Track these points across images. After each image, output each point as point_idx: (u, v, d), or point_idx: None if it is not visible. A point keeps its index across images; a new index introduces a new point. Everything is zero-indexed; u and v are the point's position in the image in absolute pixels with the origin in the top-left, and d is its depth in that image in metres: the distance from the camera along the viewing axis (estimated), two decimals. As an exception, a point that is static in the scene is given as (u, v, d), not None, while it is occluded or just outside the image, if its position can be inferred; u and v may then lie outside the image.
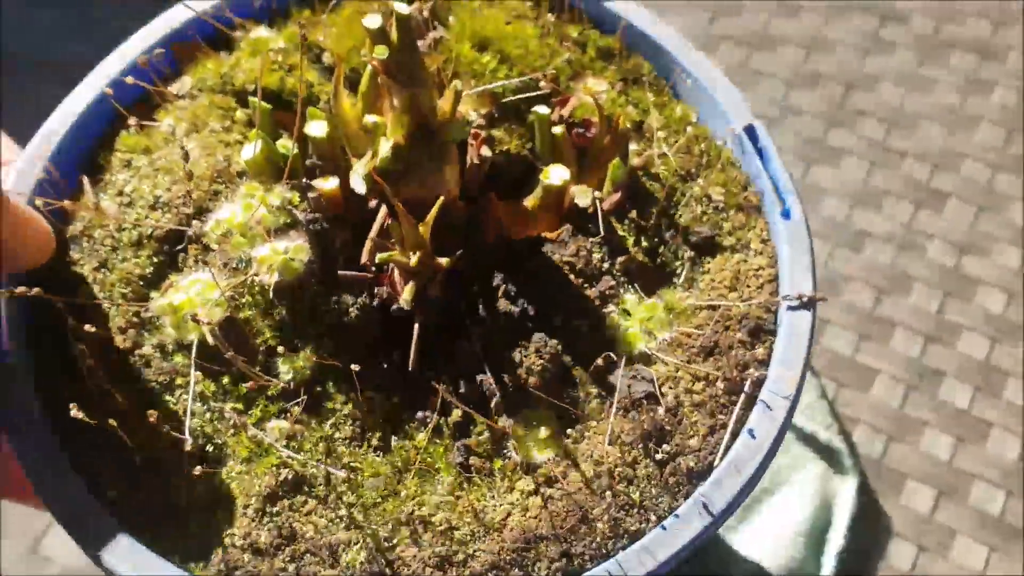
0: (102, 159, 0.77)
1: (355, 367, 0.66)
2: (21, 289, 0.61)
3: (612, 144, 0.78)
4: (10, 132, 0.81)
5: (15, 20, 1.65)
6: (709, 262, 0.76)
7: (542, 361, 0.70)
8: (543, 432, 0.69)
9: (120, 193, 0.75)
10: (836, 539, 1.26)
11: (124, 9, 1.62)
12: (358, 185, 0.71)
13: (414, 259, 0.69)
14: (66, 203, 0.69)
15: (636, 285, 0.74)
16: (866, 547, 1.29)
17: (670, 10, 1.70)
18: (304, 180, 0.73)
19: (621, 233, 0.76)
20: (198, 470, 0.64)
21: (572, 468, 0.67)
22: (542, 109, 0.78)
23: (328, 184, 0.74)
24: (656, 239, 0.77)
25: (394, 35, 0.67)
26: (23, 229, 0.64)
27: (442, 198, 0.70)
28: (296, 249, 0.70)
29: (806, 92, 1.65)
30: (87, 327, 0.66)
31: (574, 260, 0.74)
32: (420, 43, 0.82)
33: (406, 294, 0.68)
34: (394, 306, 0.71)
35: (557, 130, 0.78)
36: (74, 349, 0.68)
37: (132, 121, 0.75)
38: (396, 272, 0.72)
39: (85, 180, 0.75)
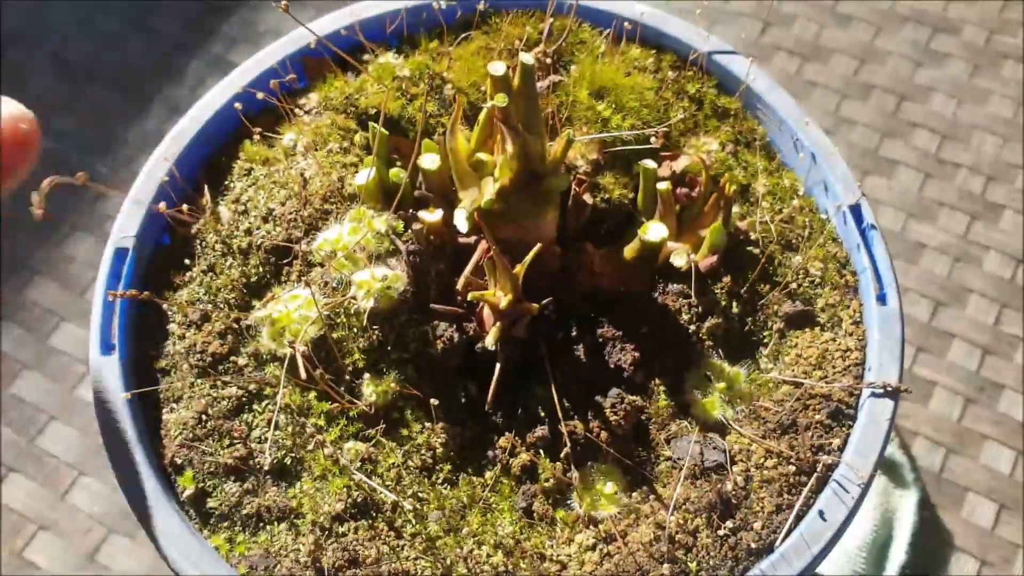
0: (224, 165, 0.81)
1: (434, 401, 0.69)
2: (132, 292, 0.65)
3: (715, 206, 0.78)
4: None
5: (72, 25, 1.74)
6: (798, 336, 0.76)
7: (617, 417, 0.71)
8: (609, 488, 0.70)
9: (236, 200, 0.78)
10: (898, 553, 1.26)
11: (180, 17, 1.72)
12: (461, 223, 0.73)
13: (504, 301, 0.71)
14: (184, 208, 0.73)
15: (721, 351, 0.74)
16: (928, 561, 1.28)
17: (722, 21, 1.71)
18: (411, 211, 0.76)
19: (713, 296, 0.76)
20: (271, 484, 0.67)
21: (633, 528, 0.68)
22: (649, 163, 0.78)
23: (433, 216, 0.76)
24: (748, 307, 0.77)
25: (515, 83, 0.69)
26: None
27: (540, 244, 0.72)
28: (394, 277, 0.73)
29: (859, 103, 1.65)
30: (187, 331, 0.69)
31: (662, 319, 0.75)
32: (539, 85, 0.84)
33: (491, 335, 0.70)
34: (479, 344, 0.72)
35: (662, 186, 0.78)
36: (172, 347, 0.72)
37: (256, 131, 0.79)
38: (486, 309, 0.74)
39: (204, 185, 0.79)
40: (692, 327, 0.75)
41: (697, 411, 0.73)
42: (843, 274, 0.78)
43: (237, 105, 0.77)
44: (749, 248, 0.79)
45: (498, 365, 0.72)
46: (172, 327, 0.74)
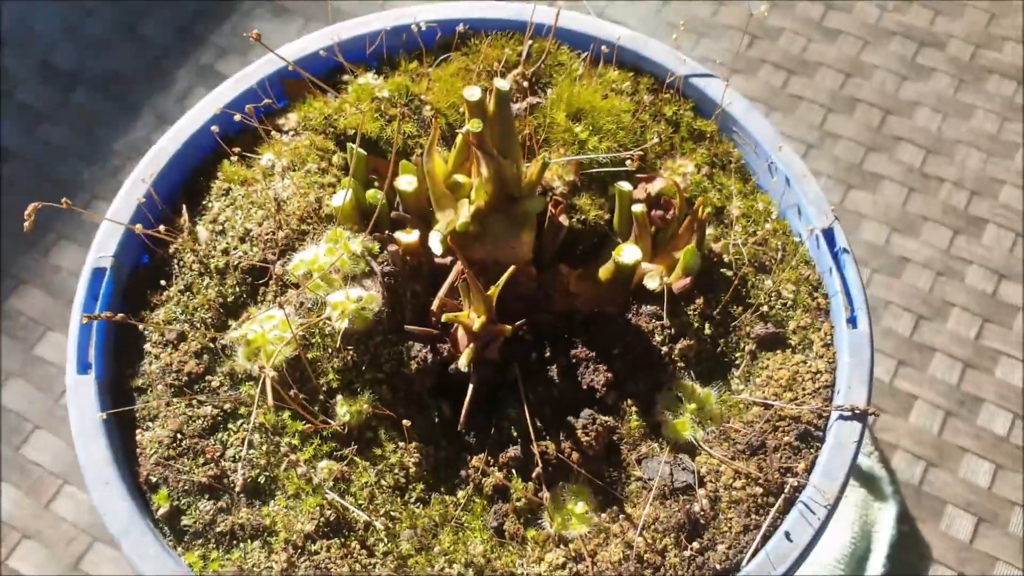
0: (203, 185, 0.82)
1: (407, 422, 0.69)
2: (106, 314, 0.65)
3: (689, 228, 0.79)
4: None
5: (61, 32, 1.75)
6: (769, 358, 0.77)
7: (588, 437, 0.72)
8: (580, 507, 0.71)
9: (214, 221, 0.79)
10: (876, 566, 1.26)
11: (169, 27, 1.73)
12: (435, 246, 0.74)
13: (477, 323, 0.71)
14: (161, 229, 0.73)
15: (693, 372, 0.75)
16: (906, 574, 1.28)
17: (708, 34, 1.72)
18: (387, 232, 0.77)
19: (686, 318, 0.77)
20: (245, 503, 0.68)
21: (603, 547, 0.69)
22: (625, 185, 0.79)
23: (409, 237, 0.77)
24: (720, 328, 0.77)
25: (491, 108, 0.70)
26: None
27: (513, 266, 0.72)
28: (368, 299, 0.74)
29: (844, 117, 1.66)
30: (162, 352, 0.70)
31: (634, 341, 0.76)
32: (517, 106, 0.85)
33: (464, 357, 0.71)
34: (452, 365, 0.73)
35: (637, 208, 0.79)
36: (149, 367, 0.73)
37: (234, 152, 0.79)
38: (460, 331, 0.75)
39: (183, 205, 0.80)
40: (664, 348, 0.76)
41: (668, 432, 0.74)
42: (815, 297, 0.79)
43: (214, 128, 0.78)
44: (723, 270, 0.80)
45: (471, 386, 0.73)
46: (148, 347, 0.75)
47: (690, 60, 0.87)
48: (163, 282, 0.76)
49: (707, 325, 0.77)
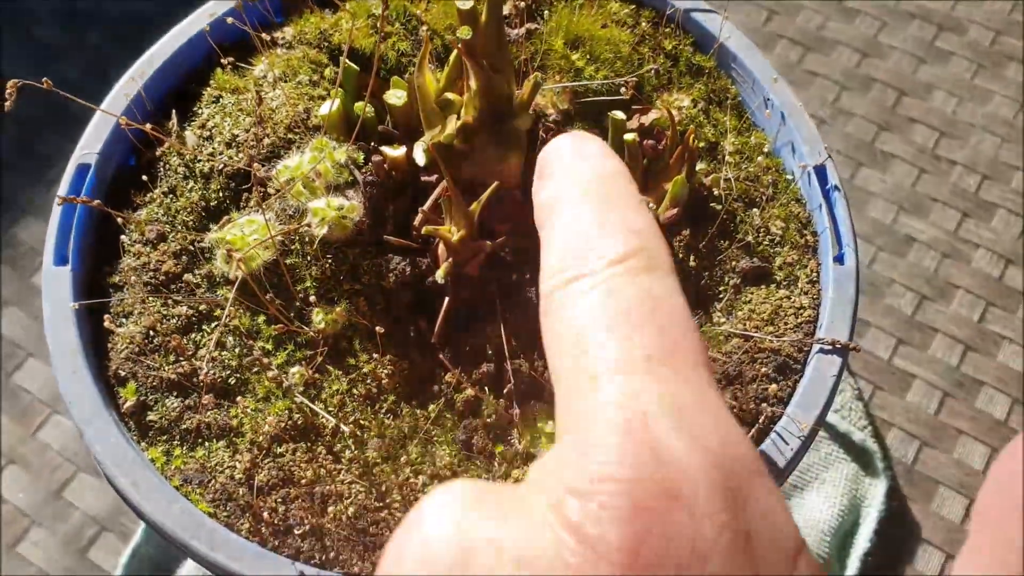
0: (194, 92, 0.81)
1: (380, 329, 0.69)
2: (85, 199, 0.65)
3: (679, 159, 0.78)
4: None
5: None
6: (752, 292, 0.75)
7: (563, 358, 0.71)
8: (549, 426, 0.70)
9: (203, 126, 0.78)
10: (862, 542, 1.26)
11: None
12: (419, 156, 0.73)
13: (456, 236, 0.71)
14: (148, 126, 0.73)
15: (675, 302, 0.74)
16: (893, 551, 1.28)
17: (726, 6, 1.75)
18: (373, 144, 0.76)
19: (671, 249, 0.76)
20: (209, 399, 0.67)
21: (570, 467, 0.68)
22: (618, 114, 0.78)
23: (395, 152, 0.76)
24: (705, 261, 0.76)
25: (482, 17, 0.69)
26: None
27: (497, 183, 0.72)
28: (350, 208, 0.73)
29: (858, 96, 1.65)
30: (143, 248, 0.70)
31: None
32: (514, 32, 0.84)
33: (441, 270, 0.70)
34: (429, 279, 0.73)
35: (628, 136, 0.78)
36: (127, 264, 0.73)
37: (227, 61, 0.79)
38: (440, 246, 0.74)
39: (173, 110, 0.79)
40: (647, 277, 0.75)
41: (645, 359, 0.72)
42: (804, 234, 0.78)
43: (205, 27, 0.77)
44: (712, 204, 0.79)
45: (446, 299, 0.72)
46: (127, 244, 0.74)
47: (694, -6, 0.86)
48: (147, 182, 0.75)
49: (692, 257, 0.76)
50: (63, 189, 0.74)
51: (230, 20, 0.77)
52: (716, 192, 0.79)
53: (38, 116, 1.57)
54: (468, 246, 0.72)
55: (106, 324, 0.68)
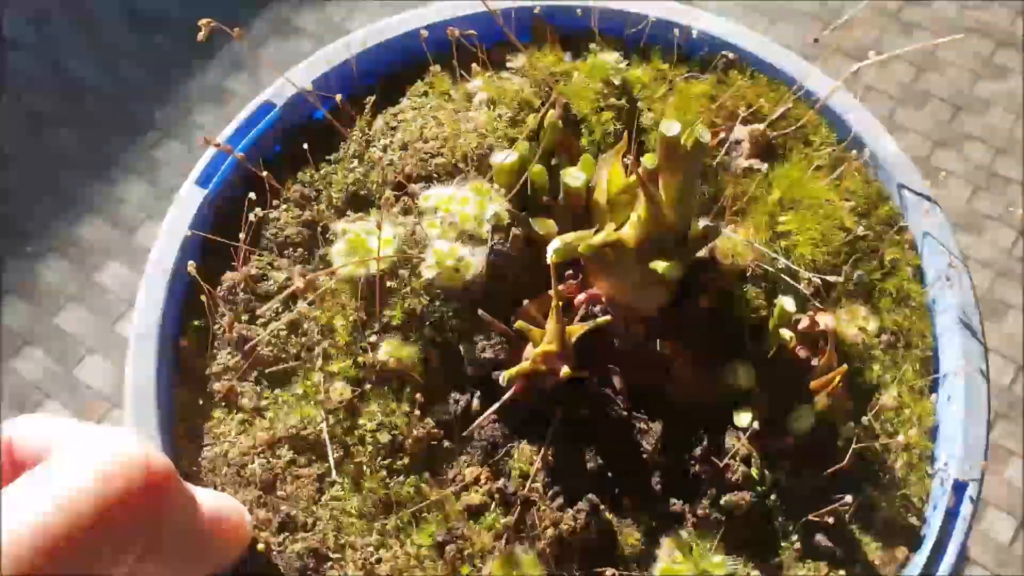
0: (404, 79, 0.81)
1: (420, 397, 0.67)
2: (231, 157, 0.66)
3: (819, 388, 0.69)
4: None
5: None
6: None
7: (571, 525, 0.66)
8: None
9: (395, 115, 0.78)
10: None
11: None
12: (549, 254, 0.68)
13: (542, 347, 0.66)
14: (338, 97, 0.73)
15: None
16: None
17: (783, 18, 1.70)
18: (525, 213, 0.72)
19: (757, 472, 0.68)
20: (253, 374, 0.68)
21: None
22: (788, 304, 0.70)
23: (543, 229, 0.72)
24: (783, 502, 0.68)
25: (686, 151, 0.63)
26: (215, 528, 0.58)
27: (610, 316, 0.67)
28: (467, 264, 0.70)
29: (914, 111, 1.62)
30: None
31: (700, 468, 0.68)
32: (735, 161, 0.76)
33: (507, 373, 0.66)
34: (496, 372, 0.69)
35: (786, 333, 0.70)
36: (253, 215, 0.73)
37: (434, 69, 0.78)
38: (529, 346, 0.70)
39: (378, 88, 0.79)
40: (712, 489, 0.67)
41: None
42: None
43: (423, 32, 0.76)
44: (836, 443, 0.69)
45: (503, 398, 0.68)
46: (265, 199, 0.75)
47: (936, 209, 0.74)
48: (313, 146, 0.76)
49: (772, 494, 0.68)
50: (240, 118, 0.76)
51: (455, 33, 0.75)
52: (840, 432, 0.69)
53: (103, 119, 1.67)
54: (551, 360, 0.68)
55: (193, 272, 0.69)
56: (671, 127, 0.63)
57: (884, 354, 0.72)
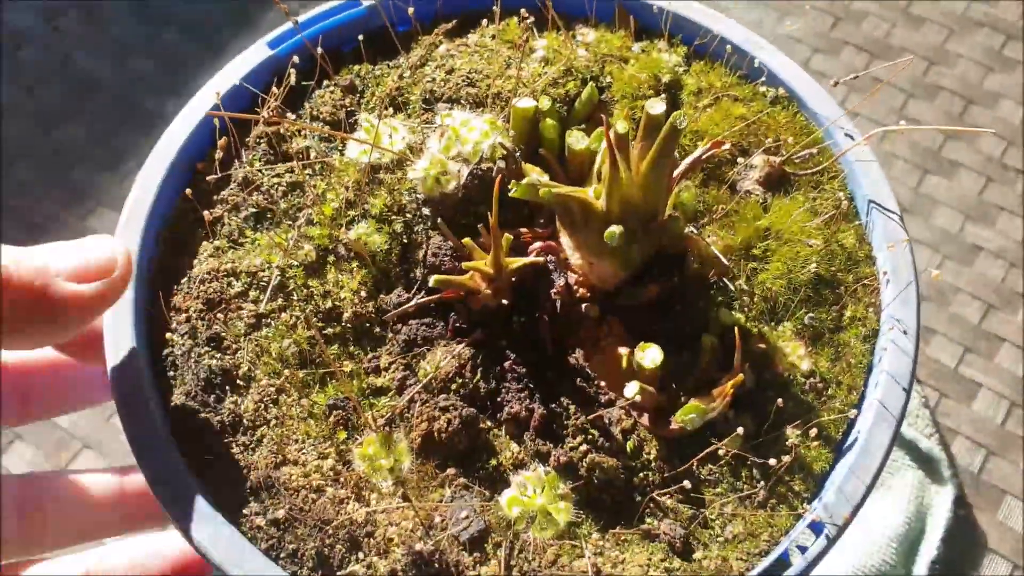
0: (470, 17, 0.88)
1: (370, 281, 0.73)
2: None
3: (719, 395, 0.69)
4: None
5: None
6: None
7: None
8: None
9: (457, 47, 0.85)
10: (929, 549, 1.27)
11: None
12: (512, 188, 0.72)
13: (470, 265, 0.71)
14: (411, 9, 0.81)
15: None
16: (959, 560, 1.30)
17: (794, 12, 1.72)
18: (519, 157, 0.77)
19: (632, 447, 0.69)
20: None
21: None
22: (727, 317, 0.72)
23: (532, 170, 0.77)
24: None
25: (663, 131, 0.66)
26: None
27: (537, 257, 0.71)
28: (447, 178, 0.76)
29: (925, 103, 1.62)
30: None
31: (580, 423, 0.71)
32: (743, 187, 0.78)
33: (436, 277, 0.71)
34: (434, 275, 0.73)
35: (708, 340, 0.71)
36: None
37: (511, 19, 0.85)
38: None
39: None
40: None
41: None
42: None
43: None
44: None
45: (424, 298, 0.73)
46: (317, 92, 0.82)
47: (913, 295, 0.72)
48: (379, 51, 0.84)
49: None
50: (320, 8, 0.85)
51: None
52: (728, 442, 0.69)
53: (112, 114, 1.71)
54: (481, 280, 0.72)
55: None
56: (656, 105, 0.67)
57: (805, 395, 0.71)
